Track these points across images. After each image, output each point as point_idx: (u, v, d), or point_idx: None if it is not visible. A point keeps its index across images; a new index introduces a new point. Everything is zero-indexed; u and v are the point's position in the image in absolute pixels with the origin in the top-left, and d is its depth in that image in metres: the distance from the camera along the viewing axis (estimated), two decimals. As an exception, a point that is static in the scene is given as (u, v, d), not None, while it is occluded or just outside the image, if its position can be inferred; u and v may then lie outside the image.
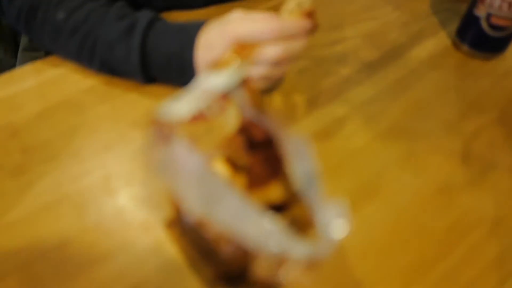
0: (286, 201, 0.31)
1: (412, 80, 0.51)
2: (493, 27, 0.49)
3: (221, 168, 0.37)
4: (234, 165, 0.37)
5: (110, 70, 0.48)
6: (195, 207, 0.25)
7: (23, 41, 0.73)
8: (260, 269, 0.24)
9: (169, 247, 0.35)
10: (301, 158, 0.28)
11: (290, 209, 0.32)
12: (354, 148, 0.43)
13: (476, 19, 0.50)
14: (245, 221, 0.25)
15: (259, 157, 0.34)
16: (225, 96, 0.34)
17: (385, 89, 0.50)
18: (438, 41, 0.56)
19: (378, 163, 0.42)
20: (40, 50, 0.65)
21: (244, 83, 0.29)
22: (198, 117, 0.35)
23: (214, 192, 0.25)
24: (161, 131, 0.25)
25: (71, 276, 0.33)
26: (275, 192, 0.31)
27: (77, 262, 0.34)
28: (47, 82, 0.50)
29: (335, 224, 0.24)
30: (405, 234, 0.37)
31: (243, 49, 0.27)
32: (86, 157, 0.42)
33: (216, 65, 0.27)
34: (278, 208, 0.32)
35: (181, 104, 0.26)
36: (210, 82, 0.27)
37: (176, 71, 0.44)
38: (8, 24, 0.73)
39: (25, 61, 0.67)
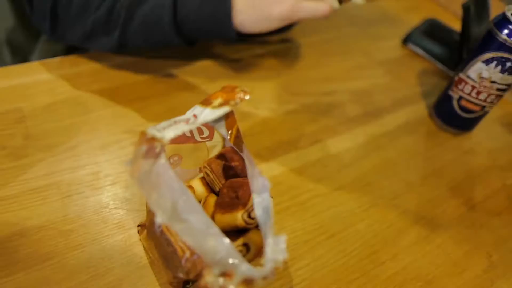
0: (245, 227, 0.36)
1: (386, 140, 0.56)
2: (463, 109, 0.55)
3: (198, 186, 0.41)
4: (209, 187, 0.41)
5: (136, 33, 0.52)
6: (164, 216, 0.29)
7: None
8: (207, 279, 0.28)
9: (136, 247, 0.39)
10: (262, 194, 0.32)
11: (249, 234, 0.36)
12: (321, 191, 0.48)
13: (450, 99, 0.56)
14: (204, 235, 0.29)
15: (231, 183, 0.38)
16: (212, 127, 0.39)
17: (361, 143, 0.55)
18: (417, 110, 0.62)
19: (339, 209, 0.47)
20: (60, 43, 0.70)
21: (228, 119, 0.34)
22: (187, 140, 0.39)
23: (183, 206, 0.29)
24: (149, 146, 0.30)
25: (45, 257, 0.37)
26: (238, 217, 0.35)
27: (52, 245, 0.38)
28: (60, 79, 0.55)
29: (275, 253, 0.28)
30: (348, 276, 0.41)
31: (231, 91, 0.32)
32: (81, 153, 0.46)
33: (206, 100, 0.32)
34: (239, 231, 0.36)
35: (171, 127, 0.30)
36: (199, 114, 0.31)
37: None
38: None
39: (45, 51, 0.72)
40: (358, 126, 0.58)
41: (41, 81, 0.54)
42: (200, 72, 0.61)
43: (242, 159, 0.40)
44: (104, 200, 0.43)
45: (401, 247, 0.44)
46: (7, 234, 0.38)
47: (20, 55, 0.73)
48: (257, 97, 0.58)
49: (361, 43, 0.75)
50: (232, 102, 0.30)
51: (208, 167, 0.40)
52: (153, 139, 0.28)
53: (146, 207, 0.38)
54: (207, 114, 0.30)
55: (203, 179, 0.41)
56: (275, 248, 0.30)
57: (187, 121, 0.31)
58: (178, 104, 0.55)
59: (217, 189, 0.41)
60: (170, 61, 0.61)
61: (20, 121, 0.48)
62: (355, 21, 0.81)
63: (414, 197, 0.50)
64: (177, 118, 0.33)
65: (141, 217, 0.41)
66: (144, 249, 0.39)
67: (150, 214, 0.36)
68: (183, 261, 0.32)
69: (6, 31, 0.74)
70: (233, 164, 0.40)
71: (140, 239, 0.40)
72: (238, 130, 0.35)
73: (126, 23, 0.51)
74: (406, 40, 0.74)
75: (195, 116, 0.32)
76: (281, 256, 0.29)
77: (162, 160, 0.30)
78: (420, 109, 0.62)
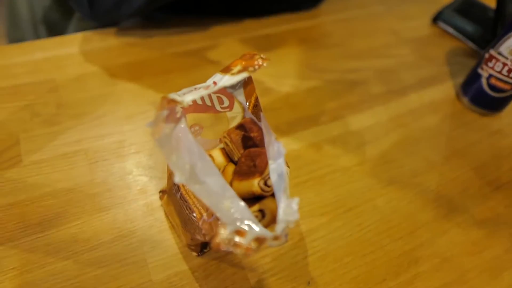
0: (262, 194, 0.36)
1: (409, 118, 0.55)
2: (492, 87, 0.53)
3: (217, 156, 0.42)
4: (229, 156, 0.42)
5: None
6: (182, 177, 0.30)
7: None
8: (220, 236, 0.29)
9: (157, 212, 0.41)
10: (277, 160, 0.33)
11: (265, 201, 0.37)
12: (340, 166, 0.48)
13: (479, 77, 0.54)
14: (220, 197, 0.30)
15: (249, 153, 0.39)
16: (231, 95, 0.40)
17: (382, 121, 0.55)
18: (443, 89, 0.61)
19: (357, 184, 0.47)
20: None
21: (247, 87, 0.35)
22: (208, 109, 0.40)
23: (201, 168, 0.31)
24: (171, 110, 0.31)
25: (73, 217, 0.40)
26: (254, 184, 0.36)
27: (80, 206, 0.41)
28: (90, 52, 0.57)
29: (287, 215, 0.29)
30: (363, 250, 0.41)
31: (250, 58, 0.32)
32: (108, 122, 0.48)
33: (226, 68, 0.33)
34: (255, 198, 0.37)
35: (192, 93, 0.31)
36: (219, 81, 0.32)
37: None
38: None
39: (78, 29, 0.75)
40: (381, 104, 0.57)
41: (73, 53, 0.57)
42: (224, 48, 0.61)
43: (260, 130, 0.41)
44: (128, 167, 0.45)
45: (419, 224, 0.44)
46: (40, 194, 0.41)
47: (55, 33, 0.76)
48: (280, 73, 0.59)
49: (388, 21, 0.73)
50: (251, 68, 0.31)
51: (227, 137, 0.41)
52: (173, 101, 0.29)
53: (167, 173, 0.39)
54: (226, 80, 0.31)
55: (223, 149, 0.42)
56: (287, 210, 0.30)
57: (206, 87, 0.32)
58: (201, 78, 0.55)
59: (236, 159, 0.42)
60: (194, 36, 0.62)
61: (53, 91, 0.51)
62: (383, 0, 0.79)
63: (435, 176, 0.49)
64: (198, 85, 0.34)
65: (163, 184, 0.43)
66: (165, 214, 0.41)
67: (171, 179, 0.37)
68: (200, 223, 0.33)
69: (43, 9, 0.77)
70: (252, 134, 0.41)
71: (161, 205, 0.42)
72: (256, 99, 0.36)
73: None
74: (436, 19, 0.72)
75: (215, 83, 0.33)
76: (293, 217, 0.30)
77: (182, 124, 0.31)
78: (447, 89, 0.61)
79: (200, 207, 0.34)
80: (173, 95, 0.31)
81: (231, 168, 0.41)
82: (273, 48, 0.63)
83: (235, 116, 0.43)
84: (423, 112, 0.57)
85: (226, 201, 0.30)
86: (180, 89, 0.56)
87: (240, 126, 0.41)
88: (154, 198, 0.42)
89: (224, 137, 0.42)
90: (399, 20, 0.73)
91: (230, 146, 0.41)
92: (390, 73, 0.62)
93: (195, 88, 0.32)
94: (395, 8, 0.77)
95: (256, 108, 0.36)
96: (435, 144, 0.53)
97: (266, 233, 0.29)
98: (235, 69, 0.32)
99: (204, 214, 0.33)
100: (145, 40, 0.60)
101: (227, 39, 0.63)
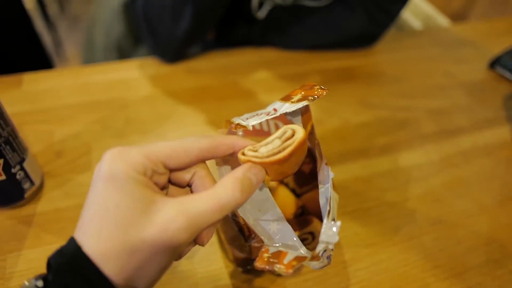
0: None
1: (461, 160, 0.55)
2: (552, 134, 0.52)
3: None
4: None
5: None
6: None
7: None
8: (262, 256, 0.30)
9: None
10: (325, 184, 0.34)
11: (315, 224, 0.38)
12: (387, 200, 0.48)
13: (538, 123, 0.53)
14: (270, 218, 0.32)
15: (299, 176, 0.41)
16: (288, 122, 0.42)
17: (433, 160, 0.54)
18: (499, 133, 0.60)
19: (405, 220, 0.47)
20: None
21: (305, 115, 0.37)
22: (264, 134, 0.43)
23: (256, 192, 0.32)
24: (232, 133, 0.33)
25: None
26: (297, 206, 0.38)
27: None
28: (157, 76, 0.63)
29: (328, 237, 0.30)
30: (407, 285, 0.41)
31: (310, 88, 0.35)
32: (167, 139, 0.52)
33: (286, 96, 0.35)
34: (304, 222, 0.39)
35: (254, 118, 0.34)
36: (279, 108, 0.35)
37: None
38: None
39: (144, 56, 0.82)
40: (432, 143, 0.57)
41: (142, 76, 0.62)
42: (279, 79, 0.65)
43: (311, 157, 0.43)
44: (185, 182, 0.48)
45: (468, 267, 0.43)
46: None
47: (124, 58, 0.84)
48: (332, 106, 0.61)
49: (443, 63, 0.74)
50: (310, 98, 0.33)
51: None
52: (239, 125, 0.32)
53: None
54: (287, 107, 0.34)
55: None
56: (328, 232, 0.31)
57: (267, 113, 0.35)
58: (257, 104, 0.59)
59: (285, 181, 0.44)
60: (252, 66, 0.67)
61: (123, 108, 0.56)
62: (439, 42, 0.80)
63: (488, 219, 0.48)
64: (259, 111, 0.36)
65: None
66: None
67: None
68: (248, 241, 0.35)
69: (117, 37, 0.86)
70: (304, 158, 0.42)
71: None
72: (312, 127, 0.38)
73: None
74: (494, 63, 0.71)
75: (275, 109, 0.35)
76: (332, 239, 0.31)
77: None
78: (502, 133, 0.60)
79: (250, 226, 0.35)
80: (237, 119, 0.33)
81: (281, 189, 0.43)
82: (327, 82, 0.66)
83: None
84: (476, 154, 0.56)
85: (273, 223, 0.32)
86: (237, 114, 0.60)
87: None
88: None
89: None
90: (454, 63, 0.74)
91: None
92: (443, 114, 0.62)
93: (257, 114, 0.35)
94: (450, 51, 0.77)
95: (312, 135, 0.38)
96: (488, 188, 0.52)
97: (307, 253, 0.30)
98: (295, 98, 0.35)
99: (253, 233, 0.35)
100: (206, 68, 0.65)
101: (283, 70, 0.67)
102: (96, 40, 0.90)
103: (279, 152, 0.27)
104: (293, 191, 0.43)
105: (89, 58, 0.91)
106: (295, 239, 0.31)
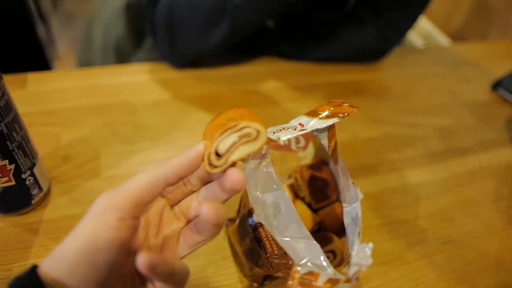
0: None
1: (468, 180, 0.56)
2: (558, 158, 0.53)
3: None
4: (295, 192, 0.44)
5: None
6: (261, 215, 0.31)
7: (150, 40, 0.86)
8: (295, 276, 0.30)
9: (221, 239, 0.43)
10: (352, 204, 0.34)
11: (335, 242, 0.38)
12: (398, 218, 0.48)
13: (544, 147, 0.54)
14: (297, 236, 0.31)
15: (317, 191, 0.41)
16: (309, 137, 0.42)
17: (441, 179, 0.55)
18: (503, 154, 0.61)
19: (416, 238, 0.47)
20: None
21: (330, 131, 0.37)
22: (284, 147, 0.43)
23: (281, 209, 0.32)
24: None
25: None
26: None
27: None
28: (167, 81, 0.62)
29: (361, 259, 0.30)
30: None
31: (339, 105, 0.35)
32: (180, 148, 0.51)
33: (313, 112, 0.35)
34: (325, 239, 0.38)
35: (282, 132, 0.33)
36: (306, 123, 0.34)
37: None
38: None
39: (143, 59, 0.80)
40: (440, 161, 0.57)
41: (151, 80, 0.61)
42: (288, 89, 0.65)
43: (330, 172, 0.43)
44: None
45: (478, 288, 0.43)
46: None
47: (122, 60, 0.82)
48: (341, 120, 0.61)
49: (447, 82, 0.75)
50: (341, 115, 0.33)
51: (298, 174, 0.42)
52: (270, 139, 0.31)
53: (240, 203, 0.41)
54: (315, 123, 0.33)
55: (291, 185, 0.44)
56: (361, 254, 0.31)
57: (294, 128, 0.34)
58: (267, 116, 0.59)
59: (302, 195, 0.43)
60: (261, 76, 0.66)
61: (132, 113, 0.55)
62: (442, 61, 0.81)
63: (496, 241, 0.48)
64: (284, 125, 0.36)
65: (229, 213, 0.45)
66: (230, 241, 0.42)
67: (244, 209, 0.39)
68: (270, 257, 0.34)
69: (116, 38, 0.84)
70: (321, 175, 0.42)
71: (226, 232, 0.43)
72: (336, 143, 0.38)
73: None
74: (496, 85, 0.73)
75: (301, 124, 0.35)
76: (366, 262, 0.30)
77: (268, 160, 0.33)
78: (506, 154, 0.61)
79: (272, 242, 0.35)
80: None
81: (298, 204, 0.42)
82: (336, 95, 0.66)
83: (305, 156, 0.45)
84: (482, 175, 0.57)
85: (301, 241, 0.31)
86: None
87: (312, 166, 0.43)
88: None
89: (295, 172, 0.43)
90: (457, 82, 0.75)
91: (299, 182, 0.43)
92: (450, 133, 0.63)
93: (284, 128, 0.34)
94: (453, 71, 0.78)
95: (335, 151, 0.38)
96: (494, 209, 0.52)
97: (339, 275, 0.30)
98: (323, 114, 0.34)
99: (275, 249, 0.34)
100: (216, 75, 0.65)
101: (292, 81, 0.66)
102: (94, 40, 0.88)
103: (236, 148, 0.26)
104: (309, 205, 0.43)
105: (86, 57, 0.89)
106: (322, 258, 0.31)
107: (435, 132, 0.62)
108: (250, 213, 0.36)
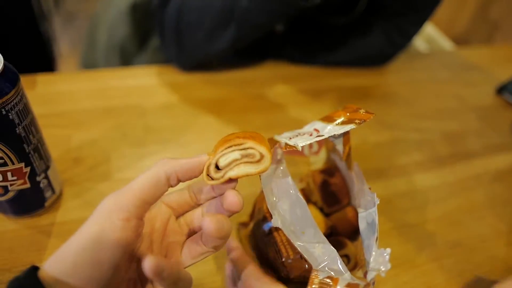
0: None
1: (475, 184, 0.56)
2: None
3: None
4: (307, 197, 0.44)
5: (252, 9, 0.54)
6: (279, 220, 0.31)
7: (155, 42, 0.87)
8: (314, 282, 0.30)
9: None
10: (368, 209, 0.34)
11: (349, 247, 0.38)
12: (407, 222, 0.49)
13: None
14: (313, 243, 0.32)
15: (329, 195, 0.41)
16: (322, 142, 0.42)
17: (448, 183, 0.55)
18: (508, 159, 0.61)
19: (425, 242, 0.47)
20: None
21: (345, 137, 0.37)
22: (297, 152, 0.43)
23: (298, 214, 0.32)
24: (275, 152, 0.33)
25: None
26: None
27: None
28: (175, 84, 0.62)
29: (379, 264, 0.30)
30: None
31: (354, 111, 0.35)
32: (190, 151, 0.51)
33: (328, 118, 0.35)
34: (338, 244, 0.38)
35: (298, 138, 0.33)
36: (322, 129, 0.34)
37: None
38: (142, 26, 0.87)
39: (147, 61, 0.80)
40: (447, 165, 0.58)
41: (159, 83, 0.61)
42: (298, 94, 0.65)
43: (342, 177, 0.43)
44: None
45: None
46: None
47: (126, 62, 0.82)
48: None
49: (453, 87, 0.75)
50: (357, 121, 0.33)
51: (311, 178, 0.42)
52: (288, 145, 0.31)
53: (254, 207, 0.41)
54: (332, 129, 0.33)
55: (302, 189, 0.44)
56: (379, 259, 0.31)
57: (310, 134, 0.34)
58: (275, 119, 0.59)
59: (314, 199, 0.43)
60: (269, 79, 0.66)
61: (141, 116, 0.55)
62: (447, 65, 0.82)
63: (504, 244, 0.49)
64: (299, 131, 0.36)
65: (239, 217, 0.45)
66: (243, 245, 0.42)
67: (259, 214, 0.39)
68: (286, 261, 0.34)
69: (121, 38, 0.84)
70: (333, 180, 0.42)
71: (238, 236, 0.43)
72: (350, 149, 0.38)
73: (241, 1, 0.53)
74: (501, 90, 0.74)
75: (316, 130, 0.35)
76: (385, 267, 0.31)
77: (284, 166, 0.33)
78: (512, 159, 0.61)
79: (287, 246, 0.35)
80: (282, 139, 0.33)
81: (311, 209, 0.42)
82: (344, 99, 0.66)
83: (317, 161, 0.45)
84: (489, 179, 0.57)
85: (318, 246, 0.32)
86: (256, 127, 0.60)
87: (324, 171, 0.43)
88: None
89: (307, 176, 0.43)
90: (463, 87, 0.76)
91: (311, 187, 0.43)
92: (456, 137, 0.63)
93: (299, 134, 0.34)
94: (458, 75, 0.79)
95: (349, 157, 0.38)
96: (502, 213, 0.53)
97: (357, 280, 0.30)
98: (339, 120, 0.34)
99: (291, 253, 0.34)
100: (224, 79, 0.65)
101: (300, 85, 0.67)
102: (98, 40, 0.88)
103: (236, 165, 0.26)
104: (320, 209, 0.43)
105: (89, 57, 0.89)
106: (339, 263, 0.31)
107: (442, 136, 0.63)
108: (265, 218, 0.37)
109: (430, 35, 0.98)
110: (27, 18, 0.86)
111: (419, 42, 0.97)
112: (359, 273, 0.34)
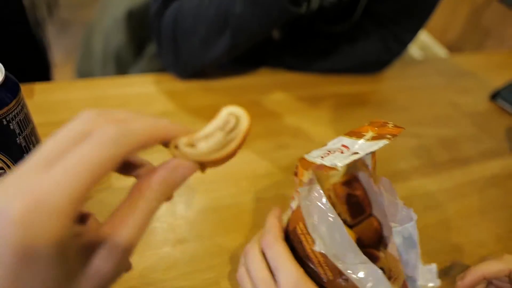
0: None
1: (472, 189, 0.57)
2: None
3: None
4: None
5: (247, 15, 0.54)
6: (322, 245, 0.30)
7: (151, 50, 0.87)
8: None
9: (235, 250, 0.43)
10: (404, 224, 0.34)
11: (383, 260, 0.37)
12: (406, 228, 0.49)
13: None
14: (356, 262, 0.31)
15: (353, 207, 0.41)
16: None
17: (446, 188, 0.56)
18: (505, 165, 0.62)
19: (424, 248, 0.47)
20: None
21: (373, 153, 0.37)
22: (320, 167, 0.42)
23: (338, 238, 0.31)
24: (309, 173, 0.32)
25: (153, 245, 0.42)
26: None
27: (162, 235, 0.43)
28: (174, 92, 0.62)
29: (427, 281, 0.30)
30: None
31: (383, 125, 0.34)
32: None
33: (354, 133, 0.35)
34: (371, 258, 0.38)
35: (333, 157, 0.32)
36: (351, 145, 0.33)
37: None
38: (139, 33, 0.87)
39: (143, 70, 0.80)
40: (445, 171, 0.58)
41: (158, 91, 0.61)
42: (295, 101, 0.65)
43: (363, 187, 0.42)
44: (206, 205, 0.47)
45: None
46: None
47: (122, 70, 0.82)
48: (345, 130, 0.61)
49: (447, 93, 0.76)
50: (389, 136, 0.33)
51: (332, 191, 0.42)
52: (326, 167, 0.31)
53: (288, 226, 0.39)
54: (364, 145, 0.33)
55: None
56: (427, 276, 0.31)
57: (341, 151, 0.33)
58: (274, 127, 0.59)
59: (337, 212, 0.43)
60: (266, 86, 0.67)
61: (140, 124, 0.55)
62: (441, 72, 0.83)
63: (501, 249, 0.49)
64: (327, 148, 0.35)
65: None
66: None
67: (294, 236, 0.37)
68: (328, 282, 0.33)
69: (116, 47, 0.84)
70: (356, 192, 0.42)
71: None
72: (375, 162, 0.38)
73: (235, 8, 0.54)
74: (495, 96, 0.75)
75: (345, 146, 0.34)
76: (434, 283, 0.31)
77: (318, 188, 0.32)
78: (508, 165, 0.62)
79: (325, 267, 0.33)
80: (316, 159, 0.32)
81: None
82: (341, 106, 0.67)
83: (335, 174, 0.44)
84: (486, 184, 0.58)
85: (360, 267, 0.31)
86: (256, 135, 0.59)
87: (346, 183, 0.42)
88: (230, 237, 0.44)
89: (328, 190, 0.43)
90: (457, 93, 0.77)
91: (333, 199, 0.42)
92: (452, 143, 0.64)
93: (329, 152, 0.33)
94: (453, 81, 0.80)
95: (374, 170, 0.38)
96: (500, 218, 0.53)
97: None
98: (368, 135, 0.34)
99: (330, 274, 0.32)
100: (222, 87, 0.65)
101: (297, 93, 0.67)
102: (94, 48, 0.88)
103: (223, 147, 0.23)
104: (344, 221, 0.42)
105: (85, 66, 0.89)
106: (384, 281, 0.30)
107: (439, 142, 0.63)
108: (300, 241, 0.34)
109: (424, 42, 0.99)
110: (22, 26, 0.86)
111: (414, 49, 0.98)
112: (395, 285, 0.34)
